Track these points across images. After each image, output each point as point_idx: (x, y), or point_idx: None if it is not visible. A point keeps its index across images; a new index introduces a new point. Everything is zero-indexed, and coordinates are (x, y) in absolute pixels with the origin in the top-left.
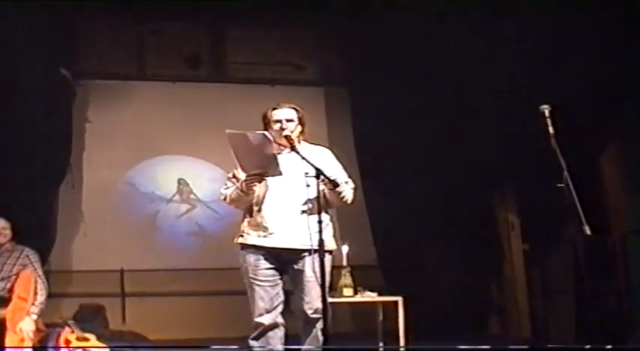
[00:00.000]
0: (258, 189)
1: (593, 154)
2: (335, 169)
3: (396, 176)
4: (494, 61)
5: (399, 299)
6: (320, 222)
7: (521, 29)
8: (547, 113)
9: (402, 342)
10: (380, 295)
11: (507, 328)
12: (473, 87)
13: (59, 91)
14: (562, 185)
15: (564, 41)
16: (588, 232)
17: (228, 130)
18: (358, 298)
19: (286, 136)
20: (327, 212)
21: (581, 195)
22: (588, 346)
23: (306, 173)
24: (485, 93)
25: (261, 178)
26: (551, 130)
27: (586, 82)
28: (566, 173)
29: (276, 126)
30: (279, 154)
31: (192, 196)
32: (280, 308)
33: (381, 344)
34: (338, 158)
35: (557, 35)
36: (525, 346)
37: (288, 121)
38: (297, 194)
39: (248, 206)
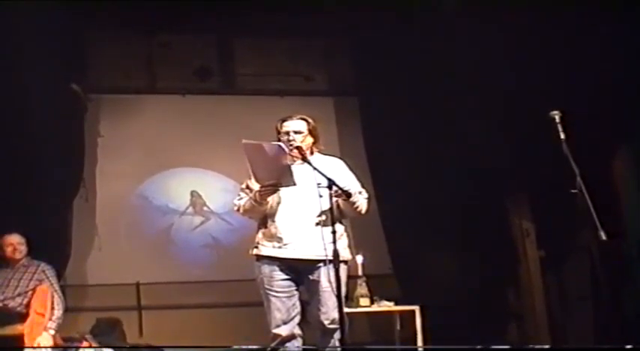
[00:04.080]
0: (272, 200)
1: (606, 158)
2: (348, 180)
3: (409, 185)
4: (506, 67)
5: (416, 308)
6: (334, 232)
7: (532, 34)
8: (557, 119)
9: (420, 350)
10: (396, 304)
11: (526, 335)
12: (485, 93)
13: (70, 106)
14: (576, 191)
15: (576, 44)
16: (604, 237)
17: (244, 141)
18: (375, 308)
19: (297, 148)
20: (341, 223)
21: (595, 200)
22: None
23: (319, 184)
24: (498, 99)
25: (275, 188)
26: (562, 135)
27: (598, 84)
28: (579, 179)
29: (285, 138)
30: (291, 165)
31: (205, 208)
32: (297, 319)
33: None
34: (351, 168)
35: (567, 38)
36: (546, 346)
37: (296, 132)
38: (311, 205)
39: (262, 217)
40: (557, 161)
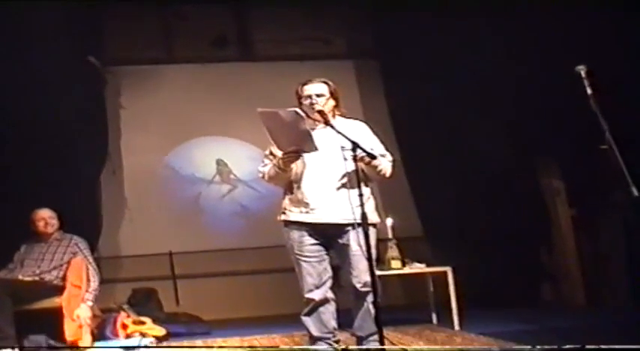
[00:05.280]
0: (296, 166)
1: (635, 113)
2: (371, 142)
3: (434, 146)
4: (528, 22)
5: (448, 269)
6: (361, 195)
7: None
8: (583, 74)
9: (454, 311)
10: (428, 266)
11: (560, 294)
12: (507, 51)
13: (90, 79)
14: (605, 147)
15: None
16: (636, 193)
17: (259, 109)
18: (407, 270)
19: (320, 111)
20: (367, 185)
21: (626, 156)
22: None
23: (343, 147)
24: (522, 57)
25: (297, 155)
26: (589, 90)
27: (624, 39)
28: (608, 134)
29: (307, 101)
30: (313, 129)
31: (232, 176)
32: (329, 283)
33: (434, 315)
34: (374, 131)
35: None
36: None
37: (319, 95)
38: (335, 169)
39: (287, 183)
40: (584, 117)
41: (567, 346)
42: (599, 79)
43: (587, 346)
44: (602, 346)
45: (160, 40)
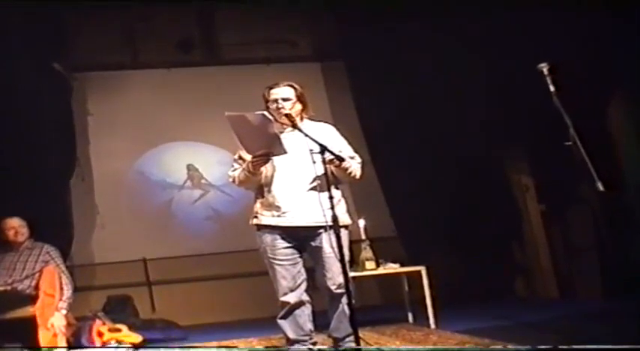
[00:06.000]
0: (266, 169)
1: (599, 108)
2: (340, 145)
3: (404, 146)
4: (495, 18)
5: (422, 269)
6: (331, 198)
7: None
8: (546, 71)
9: (430, 310)
10: (402, 265)
11: (533, 289)
12: (474, 48)
13: (55, 86)
14: (570, 143)
15: None
16: (601, 188)
17: (227, 113)
18: (381, 271)
19: (287, 115)
20: (337, 188)
21: (591, 151)
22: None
23: (311, 150)
24: (488, 53)
25: (266, 158)
26: (551, 87)
27: (587, 36)
28: (572, 130)
29: (274, 105)
30: (281, 133)
31: (203, 180)
32: (304, 286)
33: (410, 314)
34: (342, 134)
35: None
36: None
37: (285, 99)
38: (305, 172)
39: (258, 187)
40: (550, 114)
41: (541, 347)
42: (562, 76)
43: (560, 346)
44: (575, 346)
45: (125, 45)
